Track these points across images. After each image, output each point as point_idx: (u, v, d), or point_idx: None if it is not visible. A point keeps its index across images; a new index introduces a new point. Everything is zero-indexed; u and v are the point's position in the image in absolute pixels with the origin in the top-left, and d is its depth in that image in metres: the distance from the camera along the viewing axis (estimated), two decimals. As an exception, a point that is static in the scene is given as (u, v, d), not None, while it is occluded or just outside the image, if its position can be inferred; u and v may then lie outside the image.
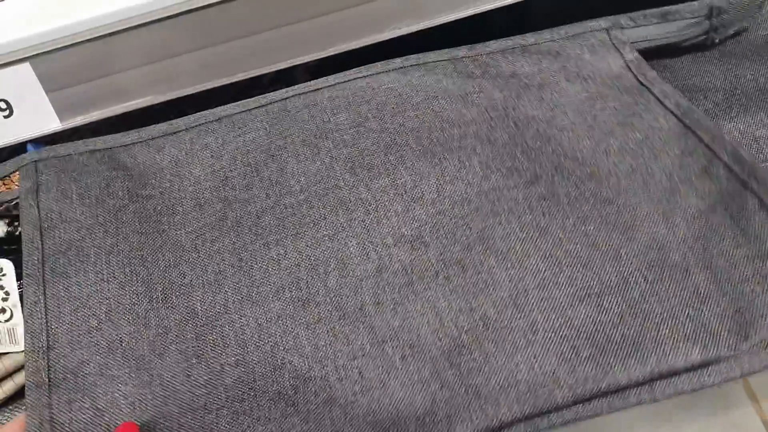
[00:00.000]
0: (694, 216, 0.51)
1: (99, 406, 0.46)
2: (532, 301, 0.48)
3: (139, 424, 0.44)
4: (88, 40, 0.59)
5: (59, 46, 0.59)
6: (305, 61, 0.63)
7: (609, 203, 0.52)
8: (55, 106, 0.62)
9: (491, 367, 0.46)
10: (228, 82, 0.63)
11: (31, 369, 0.47)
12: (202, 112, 0.62)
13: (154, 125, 0.61)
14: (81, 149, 0.59)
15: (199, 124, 0.61)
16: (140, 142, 0.60)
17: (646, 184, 0.53)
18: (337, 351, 0.48)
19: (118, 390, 0.47)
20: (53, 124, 0.62)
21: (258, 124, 0.60)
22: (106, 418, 0.46)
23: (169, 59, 0.61)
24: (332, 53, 0.63)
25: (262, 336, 0.49)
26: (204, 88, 0.62)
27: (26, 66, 0.59)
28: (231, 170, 0.58)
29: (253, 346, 0.49)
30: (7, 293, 0.54)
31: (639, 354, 0.45)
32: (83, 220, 0.55)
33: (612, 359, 0.45)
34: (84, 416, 0.46)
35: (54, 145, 0.60)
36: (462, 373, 0.46)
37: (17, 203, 0.56)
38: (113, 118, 0.61)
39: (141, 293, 0.51)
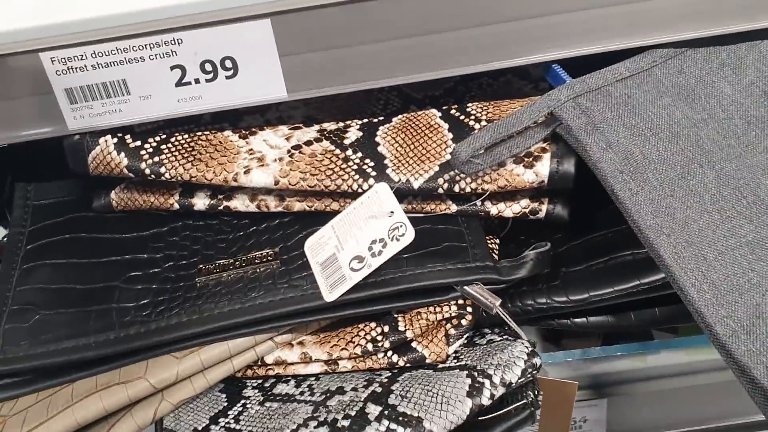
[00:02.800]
0: None
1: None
2: None
3: None
4: (341, 3, 0.50)
5: (308, 5, 0.50)
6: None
7: None
8: (285, 73, 0.53)
9: None
10: (481, 69, 0.54)
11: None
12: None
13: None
14: (610, 79, 0.53)
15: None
16: (657, 64, 0.54)
17: None
18: None
19: None
20: (279, 93, 0.54)
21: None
22: None
23: (422, 36, 0.53)
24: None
25: None
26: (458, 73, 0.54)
27: (266, 23, 0.51)
28: (765, 82, 0.54)
29: None
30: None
31: None
32: (669, 158, 0.51)
33: None
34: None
35: (578, 79, 0.53)
36: None
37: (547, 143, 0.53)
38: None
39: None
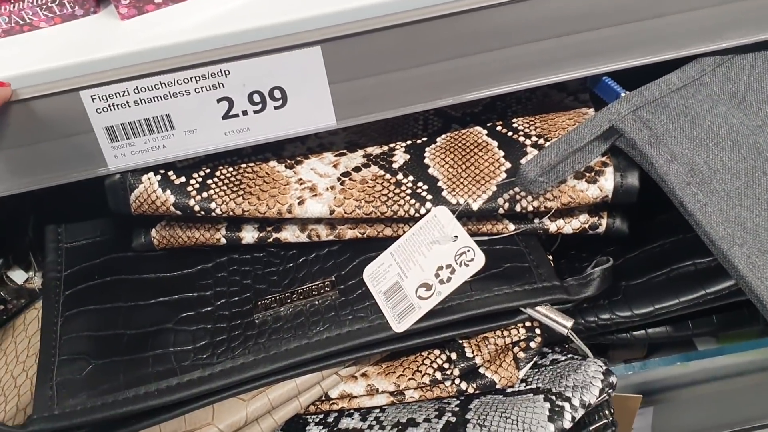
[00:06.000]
0: None
1: None
2: None
3: None
4: (393, 26, 0.49)
5: (359, 30, 0.49)
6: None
7: None
8: (334, 101, 0.52)
9: None
10: (532, 85, 0.53)
11: None
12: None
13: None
14: (665, 90, 0.53)
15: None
16: (706, 72, 0.54)
17: None
18: None
19: None
20: (329, 121, 0.53)
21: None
22: None
23: (471, 56, 0.52)
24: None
25: None
26: (510, 90, 0.53)
27: (316, 50, 0.50)
28: None
29: None
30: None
31: None
32: (733, 167, 0.50)
33: None
34: None
35: (634, 91, 0.53)
36: None
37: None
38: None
39: None
